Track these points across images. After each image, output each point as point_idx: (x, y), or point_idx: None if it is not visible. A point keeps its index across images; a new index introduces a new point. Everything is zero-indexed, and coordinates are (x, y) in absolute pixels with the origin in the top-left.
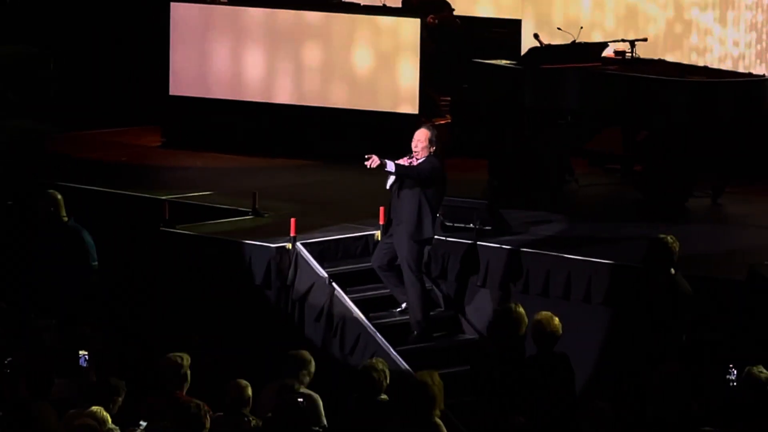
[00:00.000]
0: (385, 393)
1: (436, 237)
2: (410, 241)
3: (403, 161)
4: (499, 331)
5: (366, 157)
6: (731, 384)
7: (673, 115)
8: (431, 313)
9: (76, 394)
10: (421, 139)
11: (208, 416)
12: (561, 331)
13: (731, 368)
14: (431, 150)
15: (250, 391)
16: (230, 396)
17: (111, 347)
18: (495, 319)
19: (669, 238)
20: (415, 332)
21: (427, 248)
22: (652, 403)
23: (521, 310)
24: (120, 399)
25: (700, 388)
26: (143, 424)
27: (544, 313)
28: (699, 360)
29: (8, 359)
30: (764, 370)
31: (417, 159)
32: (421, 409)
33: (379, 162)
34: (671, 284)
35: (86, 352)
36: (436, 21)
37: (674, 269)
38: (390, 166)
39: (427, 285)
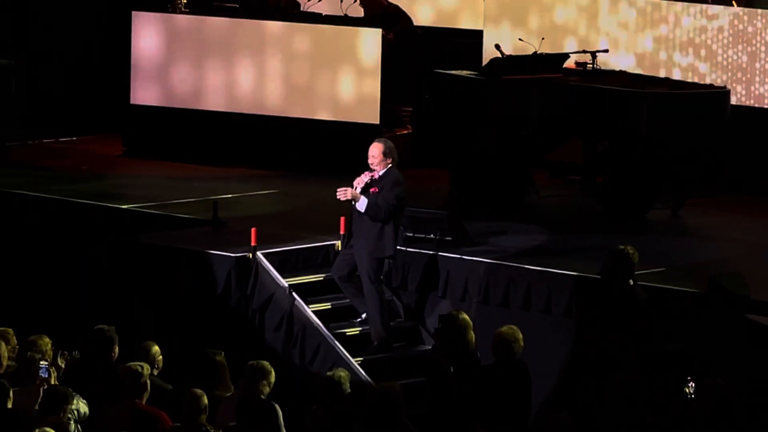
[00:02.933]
0: (348, 402)
1: (398, 248)
2: (370, 257)
3: (365, 176)
4: (445, 339)
5: (338, 190)
6: (689, 396)
7: (634, 127)
8: (391, 323)
9: (34, 403)
10: (375, 153)
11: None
12: (522, 345)
13: (689, 380)
14: (388, 162)
15: (206, 400)
16: (186, 405)
17: (68, 356)
18: (440, 327)
19: (628, 249)
20: (375, 343)
21: (388, 260)
22: (605, 411)
23: (465, 316)
24: (68, 406)
25: (658, 399)
26: None
27: (508, 327)
28: (657, 372)
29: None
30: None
31: (377, 173)
32: (386, 418)
33: (351, 197)
34: (629, 295)
35: (47, 362)
36: (391, 37)
37: (633, 280)
38: (362, 204)
39: (387, 296)
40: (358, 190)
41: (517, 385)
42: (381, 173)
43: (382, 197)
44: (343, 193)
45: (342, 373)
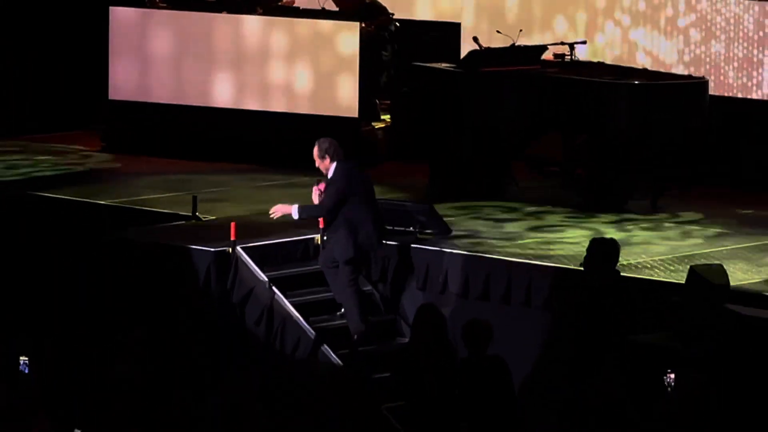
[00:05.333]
0: None
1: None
2: (340, 260)
3: (320, 186)
4: (420, 331)
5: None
6: (669, 388)
7: (611, 118)
8: (370, 318)
9: (18, 402)
10: (314, 155)
11: None
12: (492, 333)
13: (669, 372)
14: (326, 160)
15: None
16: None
17: (54, 355)
18: (416, 319)
19: (609, 240)
20: (355, 337)
21: (373, 254)
22: (591, 409)
23: (439, 310)
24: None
25: (638, 392)
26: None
27: (474, 319)
28: (637, 363)
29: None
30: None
31: (327, 174)
32: None
33: (281, 213)
34: (612, 286)
35: (26, 359)
36: (372, 28)
37: (615, 271)
38: (294, 213)
39: (366, 288)
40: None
41: (496, 379)
42: (330, 174)
43: (324, 196)
44: (273, 214)
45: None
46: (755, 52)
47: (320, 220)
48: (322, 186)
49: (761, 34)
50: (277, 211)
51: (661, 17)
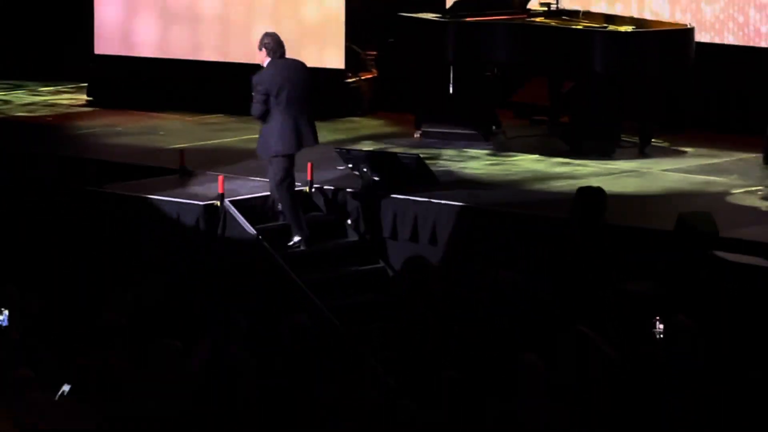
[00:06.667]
0: None
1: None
2: (267, 160)
3: None
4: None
5: None
6: (658, 336)
7: (598, 66)
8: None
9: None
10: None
11: None
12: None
13: (657, 320)
14: (263, 53)
15: None
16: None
17: (38, 307)
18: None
19: (596, 188)
20: (295, 239)
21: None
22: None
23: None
24: None
25: (627, 340)
26: (66, 387)
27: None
28: (626, 312)
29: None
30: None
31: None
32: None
33: None
34: (600, 235)
35: (6, 311)
36: None
37: (601, 221)
38: None
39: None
40: None
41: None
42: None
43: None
44: None
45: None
46: None
47: (309, 170)
48: None
49: None
50: None
51: None
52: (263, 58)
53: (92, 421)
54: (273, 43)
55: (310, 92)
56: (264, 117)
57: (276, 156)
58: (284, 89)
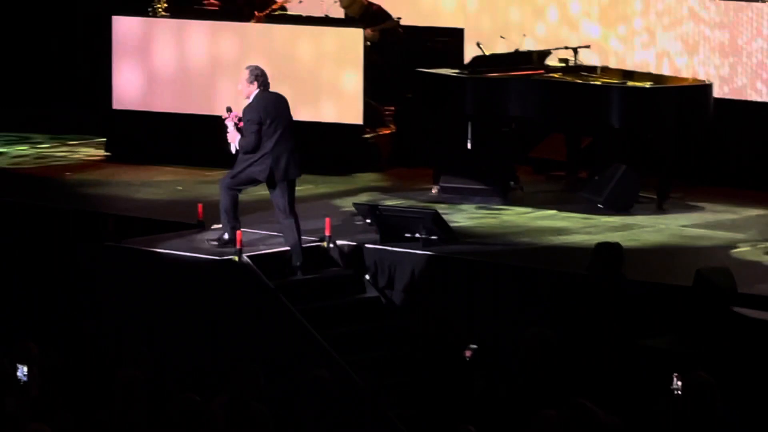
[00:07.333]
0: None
1: (384, 248)
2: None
3: (230, 118)
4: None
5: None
6: (676, 392)
7: (617, 121)
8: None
9: (17, 410)
10: (241, 80)
11: None
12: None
13: (675, 376)
14: (254, 85)
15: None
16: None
17: (58, 363)
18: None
19: (614, 243)
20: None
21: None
22: None
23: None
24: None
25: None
26: None
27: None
28: (643, 367)
29: None
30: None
31: (245, 99)
32: None
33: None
34: (618, 290)
35: (26, 367)
36: (377, 34)
37: (620, 275)
38: (232, 148)
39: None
40: (230, 128)
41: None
42: (249, 101)
43: (243, 129)
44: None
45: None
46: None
47: (327, 225)
48: (234, 114)
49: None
50: (228, 138)
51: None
52: (251, 91)
53: None
54: (263, 76)
55: (293, 124)
56: (257, 149)
57: (254, 180)
58: (275, 120)
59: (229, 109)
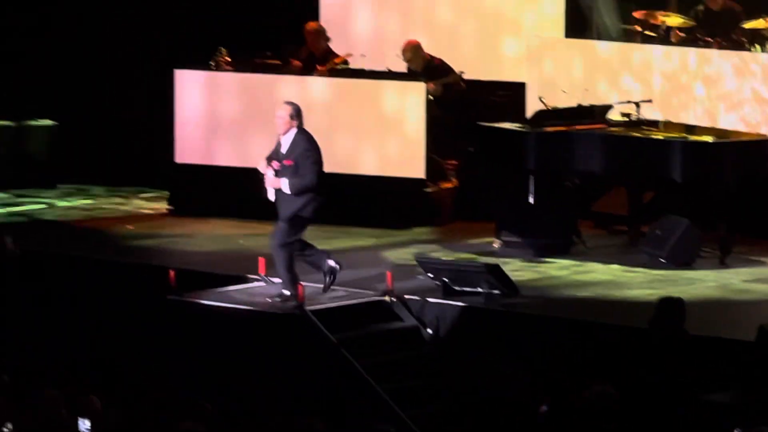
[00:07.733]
0: None
1: (445, 302)
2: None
3: (269, 168)
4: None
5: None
6: None
7: (679, 176)
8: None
9: None
10: (281, 115)
11: None
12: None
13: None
14: (295, 122)
15: None
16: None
17: (120, 416)
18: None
19: (676, 298)
20: (285, 293)
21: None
22: None
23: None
24: None
25: None
26: None
27: None
28: (706, 422)
29: (8, 425)
30: None
31: (281, 135)
32: None
33: (271, 187)
34: (680, 345)
35: (88, 420)
36: (440, 88)
37: (683, 330)
38: (285, 188)
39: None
40: (270, 175)
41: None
42: (289, 140)
43: (301, 168)
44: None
45: None
46: None
47: (389, 279)
48: (275, 165)
49: None
50: (268, 184)
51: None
52: (290, 127)
53: None
54: (302, 114)
55: None
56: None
57: (304, 219)
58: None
59: (270, 159)
